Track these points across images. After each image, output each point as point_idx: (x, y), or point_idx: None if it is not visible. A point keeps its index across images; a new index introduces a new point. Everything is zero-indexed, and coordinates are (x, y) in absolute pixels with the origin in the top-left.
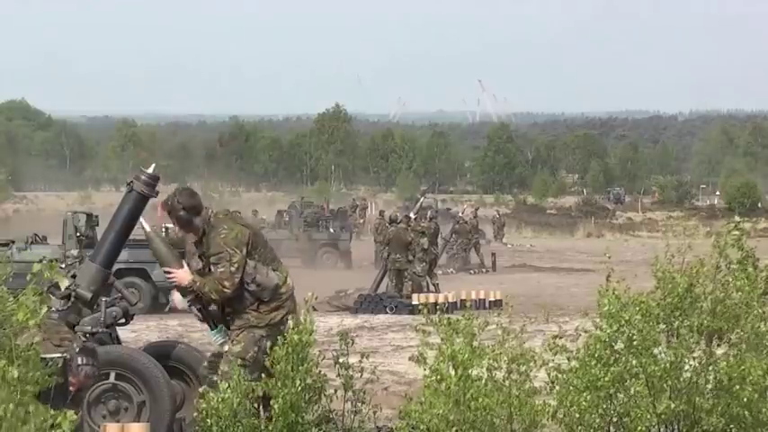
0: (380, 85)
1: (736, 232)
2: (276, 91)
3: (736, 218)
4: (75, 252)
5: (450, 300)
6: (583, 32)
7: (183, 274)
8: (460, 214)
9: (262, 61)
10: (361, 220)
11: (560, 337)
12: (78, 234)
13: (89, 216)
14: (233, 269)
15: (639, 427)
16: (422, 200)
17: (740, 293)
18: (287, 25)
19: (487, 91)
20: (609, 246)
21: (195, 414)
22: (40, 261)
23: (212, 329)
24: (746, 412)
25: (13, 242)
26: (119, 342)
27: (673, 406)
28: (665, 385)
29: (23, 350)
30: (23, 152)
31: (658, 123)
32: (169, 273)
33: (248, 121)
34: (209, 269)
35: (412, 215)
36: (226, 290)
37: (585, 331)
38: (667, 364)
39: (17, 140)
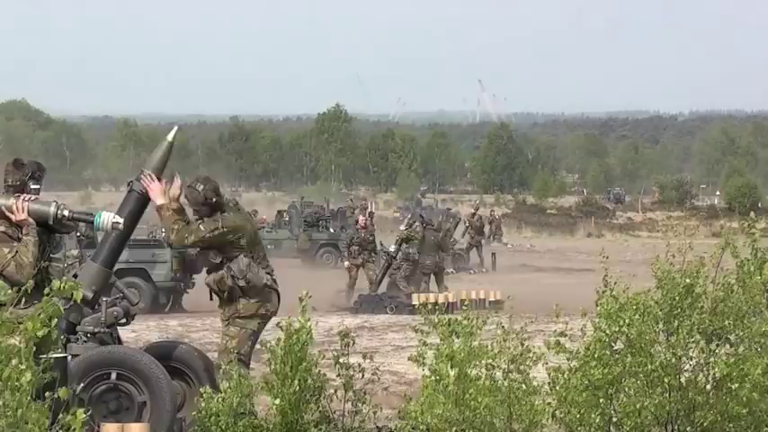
0: (380, 85)
1: (753, 231)
2: (276, 91)
3: (752, 214)
4: (75, 252)
5: (451, 300)
6: (583, 32)
7: (157, 185)
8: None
9: (262, 61)
10: None
11: (564, 335)
12: (78, 234)
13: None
14: (203, 234)
15: (632, 423)
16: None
17: (746, 294)
18: (287, 25)
19: (487, 91)
20: (609, 246)
21: (195, 414)
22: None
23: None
24: (744, 410)
25: None
26: (120, 342)
27: (670, 404)
28: (663, 379)
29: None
30: (23, 152)
31: (658, 123)
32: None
33: (248, 121)
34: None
35: (402, 227)
36: (183, 239)
37: (589, 329)
38: (664, 361)
39: (17, 140)
